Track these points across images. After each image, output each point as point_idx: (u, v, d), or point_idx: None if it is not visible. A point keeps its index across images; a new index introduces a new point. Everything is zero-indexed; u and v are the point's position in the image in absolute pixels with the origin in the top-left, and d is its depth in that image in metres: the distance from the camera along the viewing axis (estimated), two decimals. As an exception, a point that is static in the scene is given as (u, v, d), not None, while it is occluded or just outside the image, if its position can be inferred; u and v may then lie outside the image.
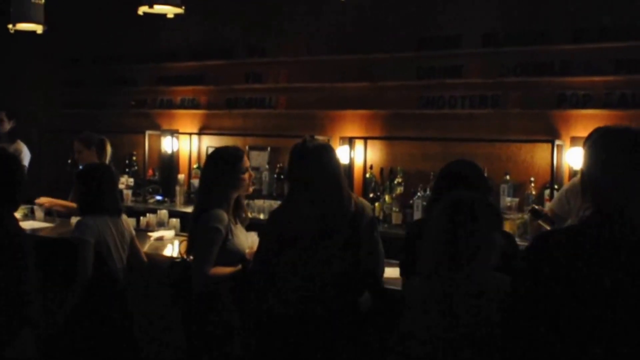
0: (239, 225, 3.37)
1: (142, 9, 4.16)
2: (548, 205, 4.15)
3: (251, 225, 3.55)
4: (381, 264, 3.05)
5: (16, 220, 3.10)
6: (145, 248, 4.15)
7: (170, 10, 4.27)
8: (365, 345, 3.04)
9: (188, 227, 3.46)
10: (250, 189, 3.45)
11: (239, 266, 3.26)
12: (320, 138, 4.95)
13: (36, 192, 5.34)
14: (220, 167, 3.30)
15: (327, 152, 3.01)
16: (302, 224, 2.92)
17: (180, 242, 3.57)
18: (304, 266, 2.90)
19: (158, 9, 4.19)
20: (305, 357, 2.92)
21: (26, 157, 6.16)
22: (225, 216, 3.22)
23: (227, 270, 3.23)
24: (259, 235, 3.31)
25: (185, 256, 3.39)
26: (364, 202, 3.03)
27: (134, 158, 7.36)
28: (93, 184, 3.63)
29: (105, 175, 3.73)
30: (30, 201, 5.29)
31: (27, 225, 4.58)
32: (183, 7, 4.22)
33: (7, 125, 6.14)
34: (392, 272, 3.23)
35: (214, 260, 3.18)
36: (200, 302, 3.25)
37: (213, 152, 3.44)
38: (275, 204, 3.34)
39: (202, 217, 3.22)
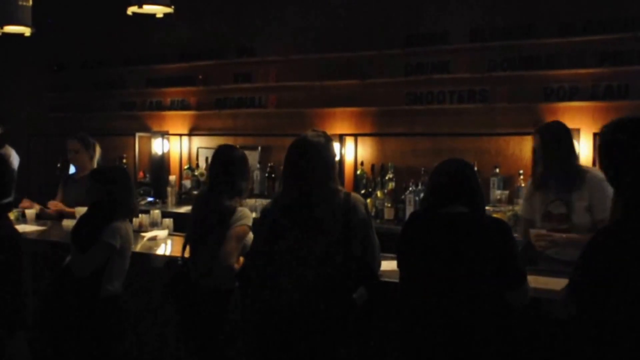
0: None
1: (132, 9, 4.15)
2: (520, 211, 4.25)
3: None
4: (377, 257, 3.06)
5: (11, 222, 3.09)
6: (138, 248, 4.16)
7: (159, 10, 4.26)
8: (362, 338, 3.06)
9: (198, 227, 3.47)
10: None
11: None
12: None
13: (26, 196, 5.34)
14: (246, 166, 3.49)
15: (321, 145, 3.01)
16: (292, 219, 2.94)
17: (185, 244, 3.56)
18: (297, 261, 2.91)
19: (147, 9, 4.18)
20: (302, 351, 2.93)
21: (15, 161, 6.14)
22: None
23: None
24: (253, 231, 3.33)
25: (183, 255, 3.42)
26: (357, 197, 3.03)
27: (125, 160, 7.35)
28: (124, 185, 3.63)
29: (128, 176, 3.77)
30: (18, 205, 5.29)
31: (18, 228, 4.56)
32: (172, 7, 4.22)
33: None
34: (387, 265, 3.27)
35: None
36: (201, 300, 3.31)
37: (233, 152, 3.55)
38: (266, 202, 3.38)
39: (235, 213, 3.35)
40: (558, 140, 3.53)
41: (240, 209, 3.38)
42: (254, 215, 5.55)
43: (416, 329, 2.71)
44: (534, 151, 3.58)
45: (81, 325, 3.48)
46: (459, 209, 2.69)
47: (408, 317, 2.76)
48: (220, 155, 3.52)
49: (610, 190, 3.49)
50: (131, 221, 4.61)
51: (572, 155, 3.54)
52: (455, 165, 2.82)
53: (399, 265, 2.85)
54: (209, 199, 3.46)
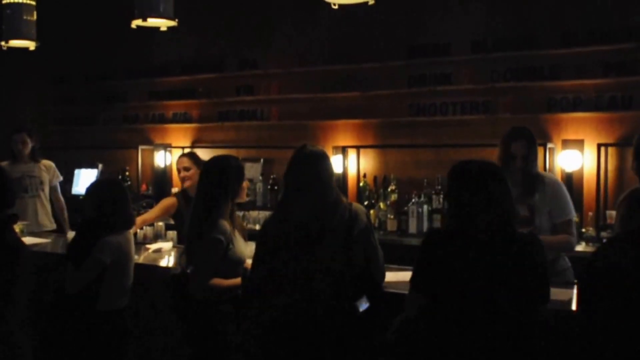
0: (237, 234, 3.37)
1: (136, 23, 4.16)
2: None
3: (248, 236, 3.56)
4: (381, 267, 3.05)
5: (16, 233, 3.10)
6: (141, 259, 4.14)
7: (164, 24, 4.27)
8: (365, 348, 3.04)
9: (186, 237, 3.45)
10: (246, 197, 3.46)
11: (239, 279, 3.25)
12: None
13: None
14: (223, 177, 3.29)
15: (320, 159, 3.02)
16: (292, 230, 2.93)
17: (181, 254, 3.55)
18: (300, 272, 2.91)
19: (152, 22, 4.18)
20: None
21: (57, 172, 5.83)
22: (227, 226, 3.23)
23: (227, 282, 3.23)
24: (256, 243, 3.31)
25: (184, 267, 3.39)
26: (359, 208, 3.03)
27: (127, 173, 7.35)
28: (113, 198, 3.56)
29: (121, 188, 3.70)
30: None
31: (24, 241, 4.56)
32: (177, 20, 4.22)
33: (29, 145, 5.62)
34: (391, 277, 3.26)
35: (215, 270, 3.19)
36: (202, 312, 3.25)
37: (214, 162, 3.40)
38: (269, 214, 3.37)
39: (204, 227, 3.22)
40: (536, 144, 3.64)
41: (216, 221, 3.22)
42: (256, 227, 5.58)
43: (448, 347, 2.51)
44: (511, 156, 3.57)
45: (81, 340, 3.47)
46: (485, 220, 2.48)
47: (439, 336, 2.53)
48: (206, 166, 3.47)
49: (567, 193, 3.57)
50: (135, 235, 4.61)
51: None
52: (480, 165, 2.61)
53: (420, 286, 2.60)
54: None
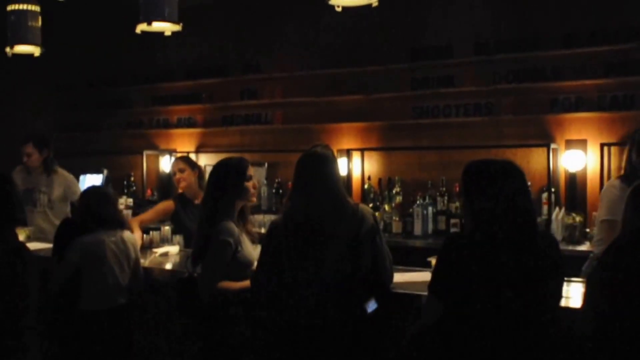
0: (245, 236, 3.38)
1: (140, 27, 4.17)
2: (600, 216, 3.71)
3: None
4: (388, 268, 3.06)
5: (17, 236, 3.13)
6: (146, 263, 4.15)
7: (168, 28, 4.28)
8: (374, 350, 3.05)
9: (193, 239, 3.47)
10: (254, 199, 3.48)
11: (247, 281, 3.27)
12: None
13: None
14: (225, 176, 3.33)
15: (328, 160, 3.05)
16: (300, 232, 2.95)
17: (187, 258, 3.57)
18: (309, 274, 2.92)
19: (156, 26, 4.20)
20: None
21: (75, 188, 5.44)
22: (235, 228, 3.25)
23: (236, 285, 3.24)
24: (261, 245, 3.32)
25: (191, 270, 3.40)
26: (365, 209, 3.05)
27: (132, 179, 7.38)
28: (88, 202, 3.71)
29: (97, 193, 3.83)
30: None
31: (29, 246, 4.57)
32: (181, 24, 4.24)
33: (39, 157, 5.33)
34: (399, 277, 3.27)
35: (224, 272, 3.21)
36: (210, 315, 3.27)
37: (218, 163, 3.45)
38: (274, 218, 3.36)
39: (212, 229, 3.25)
40: None
41: (223, 223, 3.26)
42: (262, 230, 5.59)
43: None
44: None
45: (74, 339, 3.53)
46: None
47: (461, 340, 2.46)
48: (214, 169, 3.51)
49: None
50: (144, 233, 4.64)
51: None
52: (501, 164, 2.50)
53: (439, 291, 2.52)
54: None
